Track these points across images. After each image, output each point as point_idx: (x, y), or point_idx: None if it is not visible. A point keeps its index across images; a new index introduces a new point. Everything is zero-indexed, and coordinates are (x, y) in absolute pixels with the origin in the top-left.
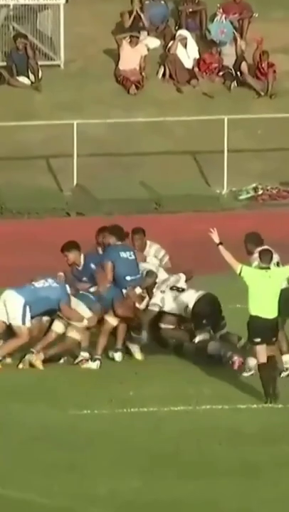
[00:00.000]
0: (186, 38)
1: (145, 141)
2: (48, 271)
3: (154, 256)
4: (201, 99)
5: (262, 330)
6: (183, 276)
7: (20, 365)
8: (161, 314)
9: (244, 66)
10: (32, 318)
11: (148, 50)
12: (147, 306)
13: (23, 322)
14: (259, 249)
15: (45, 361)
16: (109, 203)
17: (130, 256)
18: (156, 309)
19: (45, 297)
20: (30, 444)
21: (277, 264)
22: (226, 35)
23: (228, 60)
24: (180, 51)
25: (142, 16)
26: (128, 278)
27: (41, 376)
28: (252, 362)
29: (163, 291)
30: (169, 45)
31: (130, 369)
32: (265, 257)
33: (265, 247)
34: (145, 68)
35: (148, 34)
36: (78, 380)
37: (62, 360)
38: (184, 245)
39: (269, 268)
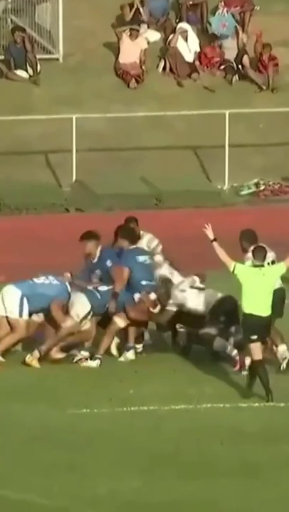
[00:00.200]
0: (186, 31)
1: (145, 136)
2: (47, 268)
3: (146, 246)
4: (202, 93)
5: (257, 328)
6: (197, 279)
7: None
8: (178, 315)
9: (246, 60)
10: (30, 314)
11: (148, 43)
12: (164, 307)
13: (20, 315)
14: (253, 246)
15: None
16: (108, 199)
17: (146, 260)
18: (174, 309)
19: (41, 293)
20: (30, 444)
21: (273, 263)
22: (228, 28)
23: (230, 54)
24: (181, 44)
25: (141, 9)
26: (144, 283)
27: (41, 376)
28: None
29: (183, 290)
30: (170, 38)
31: (130, 367)
32: (259, 254)
33: (259, 244)
34: (145, 62)
35: (148, 27)
36: (78, 379)
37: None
38: (185, 241)
39: (263, 266)
